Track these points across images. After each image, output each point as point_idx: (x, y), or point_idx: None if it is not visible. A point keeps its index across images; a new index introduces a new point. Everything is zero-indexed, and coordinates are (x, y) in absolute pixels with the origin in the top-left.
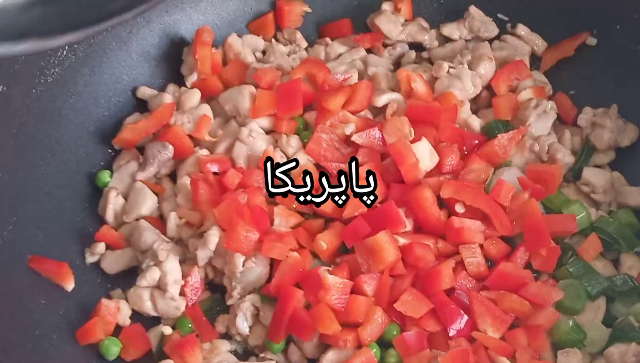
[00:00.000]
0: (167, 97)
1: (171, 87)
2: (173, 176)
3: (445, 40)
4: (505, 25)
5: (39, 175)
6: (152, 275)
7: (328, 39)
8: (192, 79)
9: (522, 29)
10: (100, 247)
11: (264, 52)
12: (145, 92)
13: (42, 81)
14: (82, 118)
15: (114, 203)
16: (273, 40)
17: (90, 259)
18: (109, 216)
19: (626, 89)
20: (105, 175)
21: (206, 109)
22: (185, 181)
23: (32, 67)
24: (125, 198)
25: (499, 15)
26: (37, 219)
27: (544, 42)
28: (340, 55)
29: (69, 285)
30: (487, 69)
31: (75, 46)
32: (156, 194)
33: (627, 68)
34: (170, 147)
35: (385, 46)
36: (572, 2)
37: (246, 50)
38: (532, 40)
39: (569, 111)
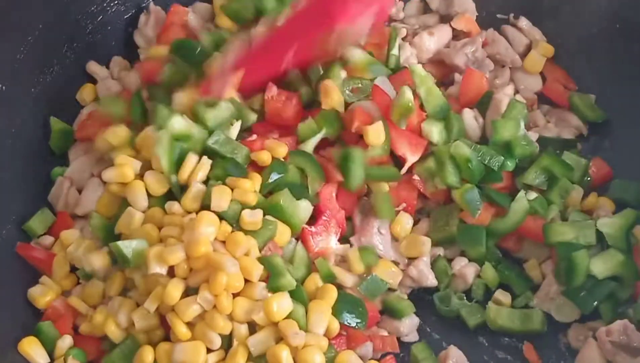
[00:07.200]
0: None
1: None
2: None
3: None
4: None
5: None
6: None
7: None
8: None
9: (523, 22)
10: None
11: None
12: (94, 68)
13: (42, 80)
14: None
15: (65, 194)
16: None
17: None
18: (60, 206)
19: (627, 88)
20: (58, 171)
21: None
22: None
23: (32, 66)
24: (80, 190)
25: (499, 15)
26: None
27: (543, 36)
28: None
29: None
30: None
31: (75, 44)
32: None
33: (627, 68)
34: None
35: None
36: (572, 2)
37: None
38: (532, 34)
39: (562, 95)
